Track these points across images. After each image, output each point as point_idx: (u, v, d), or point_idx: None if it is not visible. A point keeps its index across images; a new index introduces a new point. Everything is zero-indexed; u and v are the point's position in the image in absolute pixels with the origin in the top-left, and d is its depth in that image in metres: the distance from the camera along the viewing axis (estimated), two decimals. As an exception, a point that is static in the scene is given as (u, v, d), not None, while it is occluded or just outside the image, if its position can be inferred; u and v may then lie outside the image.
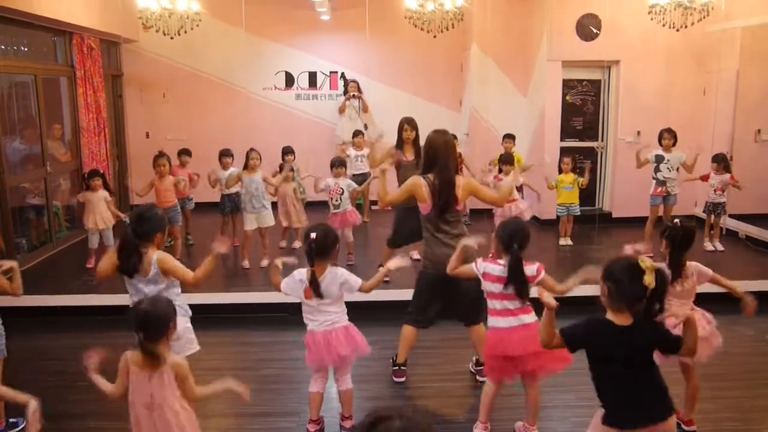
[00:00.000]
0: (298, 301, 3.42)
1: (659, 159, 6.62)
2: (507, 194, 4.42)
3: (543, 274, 3.27)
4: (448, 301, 3.94)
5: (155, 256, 3.21)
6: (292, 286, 3.38)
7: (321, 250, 3.28)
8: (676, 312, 2.66)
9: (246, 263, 6.27)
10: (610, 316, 2.47)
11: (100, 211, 6.15)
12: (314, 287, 3.29)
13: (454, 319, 4.06)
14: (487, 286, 3.33)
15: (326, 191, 6.20)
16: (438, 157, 3.85)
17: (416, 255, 5.44)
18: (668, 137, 6.59)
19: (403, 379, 4.17)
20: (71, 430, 3.63)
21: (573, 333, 2.50)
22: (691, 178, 6.83)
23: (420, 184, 3.87)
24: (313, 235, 3.28)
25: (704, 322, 3.42)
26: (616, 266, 2.47)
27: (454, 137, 7.60)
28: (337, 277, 3.34)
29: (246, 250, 6.32)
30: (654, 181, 6.70)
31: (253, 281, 6.06)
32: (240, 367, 4.52)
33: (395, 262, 3.41)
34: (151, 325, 2.63)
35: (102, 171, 6.72)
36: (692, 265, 3.43)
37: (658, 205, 6.71)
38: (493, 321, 3.35)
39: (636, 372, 2.44)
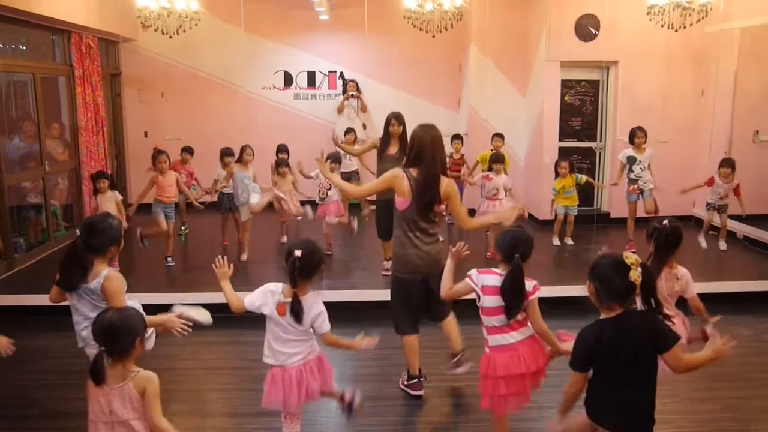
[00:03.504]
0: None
1: (632, 160, 6.68)
2: (479, 226, 4.21)
3: (536, 295, 2.93)
4: (425, 302, 3.78)
5: (105, 271, 2.87)
6: (262, 299, 2.93)
7: (305, 270, 2.84)
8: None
9: (244, 257, 6.52)
10: (602, 316, 2.43)
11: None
12: (295, 308, 2.84)
13: (425, 318, 3.92)
14: (485, 301, 2.96)
15: (315, 179, 6.50)
16: (424, 153, 3.57)
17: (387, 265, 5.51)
18: (641, 135, 6.62)
19: (421, 392, 3.91)
20: (72, 429, 3.61)
21: (578, 357, 2.44)
22: (698, 185, 6.78)
23: (401, 176, 3.61)
24: (297, 252, 2.81)
25: (683, 328, 3.22)
26: (601, 264, 2.41)
27: (458, 137, 7.73)
28: (313, 309, 2.90)
29: (245, 243, 6.61)
30: (627, 180, 6.75)
31: (250, 280, 6.05)
32: (237, 366, 4.52)
33: (365, 342, 3.07)
34: (115, 339, 2.30)
35: (110, 173, 6.73)
36: (683, 272, 3.28)
37: (635, 202, 6.76)
38: (495, 339, 2.97)
39: (632, 373, 2.37)
